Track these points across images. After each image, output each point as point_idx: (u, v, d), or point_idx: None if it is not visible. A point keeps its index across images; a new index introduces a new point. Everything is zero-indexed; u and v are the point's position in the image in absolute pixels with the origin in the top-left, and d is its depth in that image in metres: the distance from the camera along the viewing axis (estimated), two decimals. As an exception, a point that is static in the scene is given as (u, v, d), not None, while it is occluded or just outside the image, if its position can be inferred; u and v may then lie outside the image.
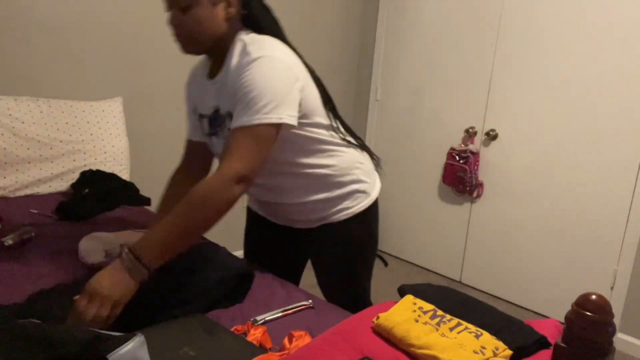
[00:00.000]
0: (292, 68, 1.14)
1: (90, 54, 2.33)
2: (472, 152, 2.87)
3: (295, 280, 1.62)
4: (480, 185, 2.92)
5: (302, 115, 1.20)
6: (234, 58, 1.17)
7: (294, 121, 1.14)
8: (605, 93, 2.43)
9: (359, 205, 1.37)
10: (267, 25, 1.22)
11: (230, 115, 1.20)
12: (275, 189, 1.32)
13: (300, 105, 1.17)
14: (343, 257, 1.41)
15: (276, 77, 1.10)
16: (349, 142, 1.35)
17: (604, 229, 2.49)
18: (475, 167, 2.89)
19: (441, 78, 3.05)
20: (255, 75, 1.09)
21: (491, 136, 2.85)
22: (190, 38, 1.16)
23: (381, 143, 3.43)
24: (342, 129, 1.34)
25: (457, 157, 2.91)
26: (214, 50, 1.22)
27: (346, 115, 3.58)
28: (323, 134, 1.27)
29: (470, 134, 2.93)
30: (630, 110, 2.36)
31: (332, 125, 1.29)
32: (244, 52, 1.15)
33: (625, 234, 2.42)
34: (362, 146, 1.41)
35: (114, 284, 0.97)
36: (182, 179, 1.42)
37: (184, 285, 1.13)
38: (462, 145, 2.92)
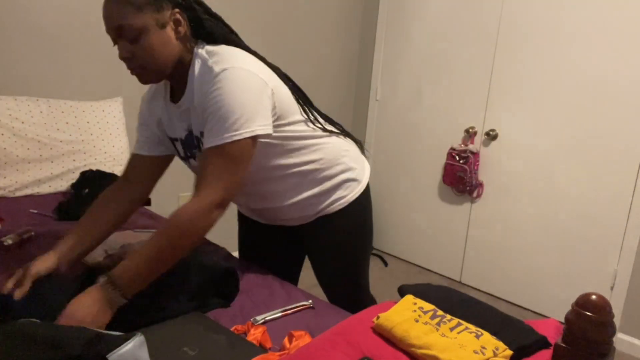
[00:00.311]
0: (257, 74, 1.10)
1: (90, 54, 2.33)
2: (472, 152, 2.87)
3: (294, 280, 1.61)
4: (480, 185, 2.92)
5: (278, 117, 1.17)
6: (196, 76, 1.12)
7: (268, 130, 1.11)
8: (605, 93, 2.43)
9: (352, 193, 1.37)
10: (220, 34, 1.18)
11: (203, 135, 1.15)
12: (267, 196, 1.31)
13: (274, 109, 1.14)
14: (341, 247, 1.41)
15: (243, 88, 1.06)
16: (330, 131, 1.34)
17: (604, 229, 2.49)
18: (475, 167, 2.89)
19: (441, 78, 3.05)
20: (222, 91, 1.05)
21: (491, 136, 2.85)
22: (146, 68, 1.10)
23: (381, 143, 3.43)
24: (320, 120, 1.32)
25: (457, 157, 2.91)
26: (173, 73, 1.16)
27: (346, 115, 3.58)
28: (303, 130, 1.25)
29: (470, 134, 2.93)
30: (630, 110, 2.36)
31: (309, 119, 1.27)
32: (205, 68, 1.10)
33: (625, 234, 2.42)
34: (344, 132, 1.40)
35: (90, 314, 0.97)
36: (117, 193, 1.29)
37: (162, 291, 1.10)
38: (462, 145, 2.92)
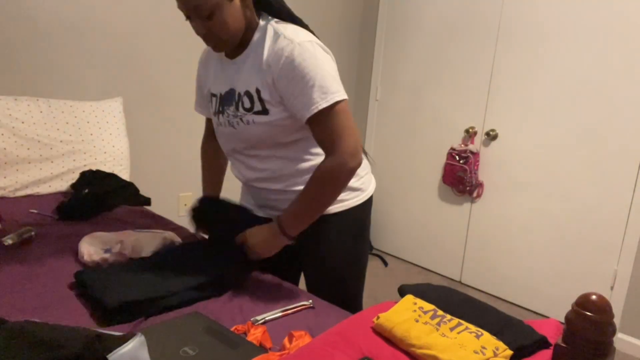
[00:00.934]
0: (329, 52, 1.22)
1: (90, 54, 2.33)
2: (472, 152, 2.87)
3: (294, 281, 1.60)
4: (480, 185, 2.92)
5: None
6: (266, 41, 1.20)
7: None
8: (605, 93, 2.43)
9: (353, 199, 1.37)
10: (280, 6, 1.26)
11: (248, 95, 1.22)
12: (270, 169, 1.31)
13: None
14: (333, 254, 1.37)
15: (325, 60, 1.17)
16: None
17: (604, 229, 2.49)
18: (475, 167, 2.89)
19: (441, 78, 3.05)
20: (310, 61, 1.14)
21: (491, 136, 2.85)
22: (221, 40, 1.19)
23: (381, 143, 3.44)
24: None
25: (457, 157, 2.91)
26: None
27: (346, 115, 3.58)
28: None
29: (470, 134, 2.93)
30: (630, 110, 2.36)
31: None
32: (279, 37, 1.19)
33: (625, 234, 2.42)
34: None
35: (262, 242, 1.23)
36: (210, 150, 1.59)
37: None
38: (462, 145, 2.92)
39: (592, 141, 2.49)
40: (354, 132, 1.18)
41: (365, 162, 1.43)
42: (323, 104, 1.15)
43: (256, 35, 1.23)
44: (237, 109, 1.26)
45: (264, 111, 1.22)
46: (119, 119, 2.24)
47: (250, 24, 1.23)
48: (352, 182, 1.36)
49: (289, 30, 1.20)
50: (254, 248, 1.23)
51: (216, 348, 0.94)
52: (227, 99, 1.28)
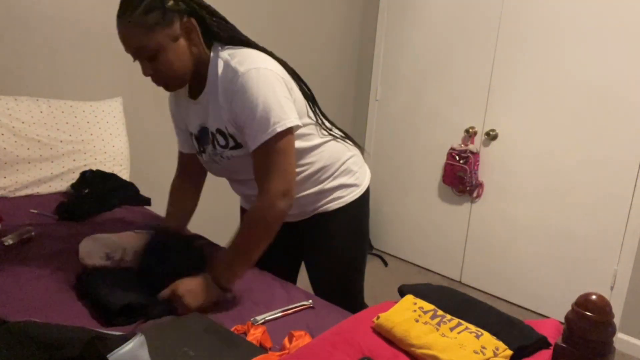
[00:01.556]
0: (277, 73, 1.16)
1: (90, 54, 2.33)
2: (472, 152, 2.87)
3: (292, 280, 1.61)
4: (480, 185, 2.92)
5: None
6: (220, 76, 1.17)
7: (299, 121, 1.17)
8: (605, 93, 2.43)
9: (350, 195, 1.39)
10: (228, 35, 1.21)
11: (220, 132, 1.21)
12: None
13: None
14: (335, 249, 1.41)
15: (269, 85, 1.12)
16: (334, 135, 1.38)
17: (604, 229, 2.49)
18: (475, 167, 2.89)
19: (441, 78, 3.05)
20: (252, 92, 1.11)
21: (491, 136, 2.85)
22: (169, 79, 1.17)
23: (381, 143, 3.43)
24: (327, 124, 1.37)
25: (457, 157, 2.91)
26: (193, 74, 1.21)
27: (346, 115, 3.58)
28: (312, 132, 1.30)
29: (470, 134, 2.93)
30: (630, 110, 2.36)
31: (318, 122, 1.32)
32: (229, 68, 1.15)
33: (625, 234, 2.42)
34: (348, 137, 1.44)
35: (190, 291, 1.11)
36: (181, 188, 1.49)
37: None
38: (462, 145, 2.92)
39: (592, 141, 2.49)
40: (286, 172, 1.14)
41: (358, 158, 1.44)
42: (264, 137, 1.12)
43: (210, 71, 1.19)
44: (214, 147, 1.26)
45: (238, 145, 1.21)
46: (119, 119, 2.24)
47: (201, 60, 1.19)
48: (347, 179, 1.38)
49: (237, 58, 1.16)
50: (183, 298, 1.10)
51: (216, 348, 0.94)
52: (204, 138, 1.28)
